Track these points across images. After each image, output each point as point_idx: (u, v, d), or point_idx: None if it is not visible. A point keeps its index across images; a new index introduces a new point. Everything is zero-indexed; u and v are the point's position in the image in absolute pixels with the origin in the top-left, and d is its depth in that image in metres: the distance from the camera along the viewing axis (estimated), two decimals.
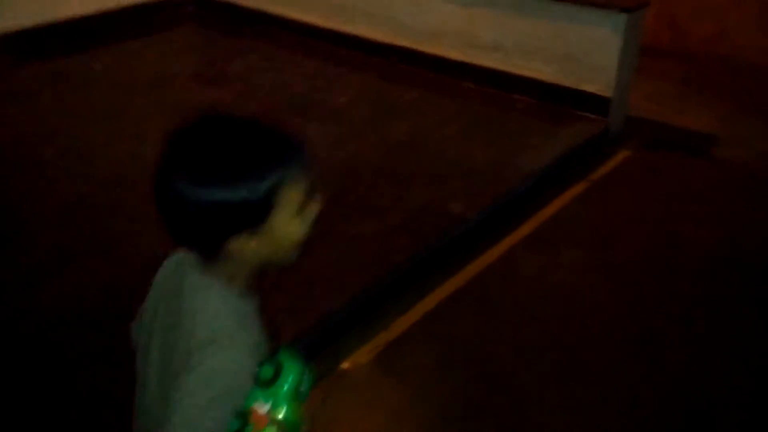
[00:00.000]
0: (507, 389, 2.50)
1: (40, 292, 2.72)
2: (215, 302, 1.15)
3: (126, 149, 3.68)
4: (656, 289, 2.99)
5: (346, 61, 4.86)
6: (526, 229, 3.34)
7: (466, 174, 3.55)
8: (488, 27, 4.37)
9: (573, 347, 2.69)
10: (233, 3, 5.47)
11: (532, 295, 2.95)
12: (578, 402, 2.45)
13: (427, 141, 3.87)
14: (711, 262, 3.17)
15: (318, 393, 2.39)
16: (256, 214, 1.10)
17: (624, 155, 4.04)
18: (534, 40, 4.23)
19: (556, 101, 4.22)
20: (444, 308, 2.86)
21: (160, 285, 1.28)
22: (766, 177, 3.86)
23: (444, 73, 4.58)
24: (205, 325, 1.13)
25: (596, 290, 2.98)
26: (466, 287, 2.97)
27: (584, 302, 2.91)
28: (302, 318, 2.61)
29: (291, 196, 1.11)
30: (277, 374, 1.14)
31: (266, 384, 1.14)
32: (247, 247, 1.12)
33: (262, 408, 1.14)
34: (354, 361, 2.61)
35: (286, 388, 1.15)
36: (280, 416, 1.14)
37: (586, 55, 4.06)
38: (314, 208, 1.17)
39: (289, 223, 1.13)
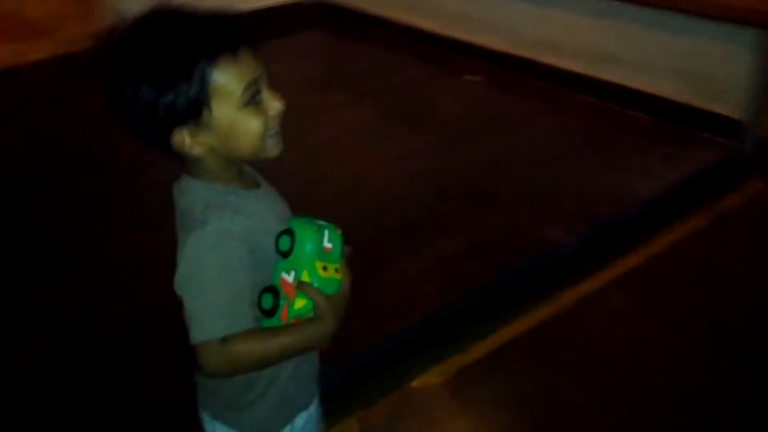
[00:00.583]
0: None
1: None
2: (195, 194, 1.17)
3: None
4: None
5: (462, 69, 4.77)
6: (630, 262, 3.07)
7: (571, 196, 3.35)
8: (611, 39, 4.13)
9: (655, 406, 2.42)
10: (358, 9, 5.51)
11: (623, 339, 2.70)
12: None
13: (532, 157, 3.70)
14: None
15: (385, 407, 2.42)
16: (189, 109, 1.10)
17: (755, 187, 3.63)
18: (659, 55, 3.95)
19: (680, 121, 3.91)
20: (525, 339, 2.70)
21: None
22: None
23: (562, 86, 4.38)
24: (188, 215, 1.15)
25: (694, 343, 2.66)
26: (552, 320, 2.78)
27: (676, 356, 2.62)
28: (376, 330, 2.56)
29: (228, 87, 1.10)
30: (293, 242, 1.17)
31: (286, 255, 1.17)
32: (193, 142, 1.12)
33: (288, 278, 1.17)
34: (424, 381, 2.53)
35: (304, 252, 1.16)
36: (306, 280, 1.16)
37: (716, 72, 3.74)
38: (274, 103, 1.15)
39: (236, 116, 1.11)
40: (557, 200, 3.32)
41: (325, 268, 1.17)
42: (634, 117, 4.05)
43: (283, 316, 1.16)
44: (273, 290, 1.17)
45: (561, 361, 2.61)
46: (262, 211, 1.22)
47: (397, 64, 4.96)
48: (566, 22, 4.33)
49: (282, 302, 1.16)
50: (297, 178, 3.45)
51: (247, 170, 1.27)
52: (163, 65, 1.08)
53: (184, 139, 1.12)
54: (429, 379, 2.53)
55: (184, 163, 1.20)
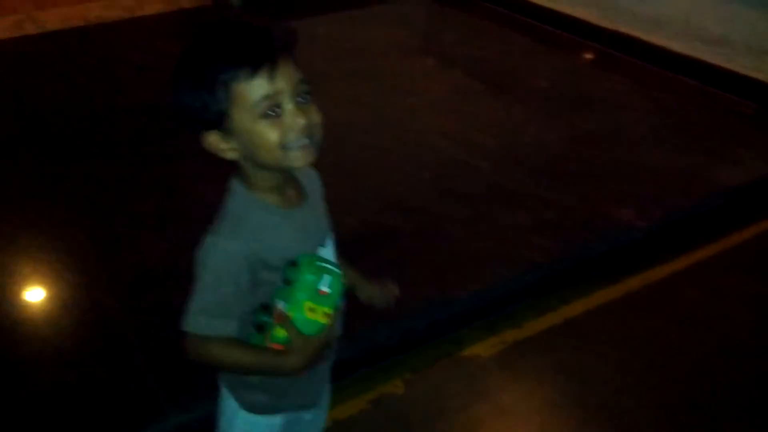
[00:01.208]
0: (615, 417, 2.31)
1: None
2: (230, 195, 1.26)
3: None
4: None
5: (556, 41, 4.69)
6: (705, 253, 2.99)
7: (650, 179, 3.28)
8: (717, 19, 3.95)
9: (709, 398, 2.37)
10: None
11: (686, 330, 2.64)
12: None
13: (618, 137, 3.63)
14: None
15: (433, 372, 2.49)
16: (214, 115, 1.17)
17: None
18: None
19: None
20: (583, 321, 2.68)
21: None
22: None
23: (660, 66, 4.23)
24: (219, 212, 1.26)
25: (762, 344, 2.59)
26: (614, 303, 2.75)
27: (739, 355, 2.54)
28: (433, 296, 2.62)
29: (243, 97, 1.15)
30: (294, 275, 1.22)
31: (286, 284, 1.23)
32: (219, 146, 1.21)
33: (280, 306, 1.23)
34: (475, 351, 2.57)
35: (298, 291, 1.22)
36: (290, 314, 1.22)
37: None
38: (297, 119, 1.17)
39: (253, 126, 1.17)
40: (635, 182, 3.25)
41: (312, 310, 1.23)
42: (735, 102, 3.88)
43: (267, 336, 1.26)
44: (267, 310, 1.26)
45: (618, 346, 2.58)
46: (282, 230, 1.26)
47: (494, 34, 4.93)
48: (674, 1, 4.16)
49: (270, 323, 1.25)
50: (378, 142, 3.56)
51: (292, 184, 1.32)
52: (196, 73, 1.17)
53: (214, 141, 1.22)
54: (481, 350, 2.57)
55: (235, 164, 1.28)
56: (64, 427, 2.13)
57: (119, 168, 3.40)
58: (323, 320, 1.25)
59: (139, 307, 2.55)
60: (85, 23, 5.03)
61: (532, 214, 3.04)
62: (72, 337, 2.44)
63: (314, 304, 1.22)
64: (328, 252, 1.36)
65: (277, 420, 1.46)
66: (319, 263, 1.24)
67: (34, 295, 2.70)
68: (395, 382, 2.42)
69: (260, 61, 1.14)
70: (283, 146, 1.18)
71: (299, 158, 1.20)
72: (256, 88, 1.14)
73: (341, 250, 1.42)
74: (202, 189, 3.18)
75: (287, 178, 1.28)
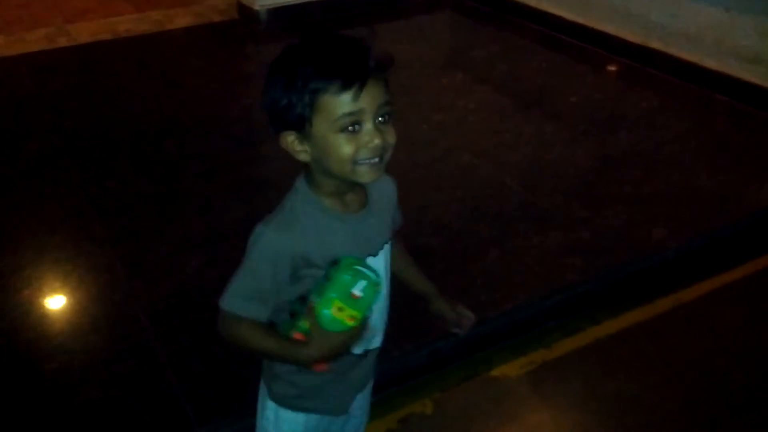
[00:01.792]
0: None
1: None
2: (294, 191, 1.33)
3: None
4: None
5: (589, 58, 4.65)
6: (738, 273, 2.93)
7: (683, 198, 3.23)
8: (753, 36, 3.89)
9: (748, 420, 2.32)
10: None
11: (718, 352, 2.59)
12: None
13: (649, 155, 3.58)
14: None
15: (462, 392, 2.46)
16: (297, 118, 1.23)
17: None
18: None
19: None
20: (613, 340, 2.64)
21: None
22: None
23: (694, 83, 4.18)
24: (281, 203, 1.34)
25: None
26: (646, 324, 2.70)
27: None
28: None
29: (327, 109, 1.20)
30: (333, 273, 1.27)
31: (324, 280, 1.28)
32: (295, 147, 1.27)
33: (312, 299, 1.28)
34: (504, 372, 2.54)
35: (330, 288, 1.26)
36: (318, 309, 1.27)
37: None
38: (373, 138, 1.22)
39: (330, 136, 1.22)
40: (668, 202, 3.20)
41: (340, 309, 1.26)
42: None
43: (294, 324, 1.32)
44: (303, 301, 1.31)
45: (648, 367, 2.54)
46: (336, 235, 1.31)
47: (523, 50, 4.91)
48: (707, 16, 4.12)
49: (300, 314, 1.31)
50: (406, 159, 3.55)
51: (364, 189, 1.37)
52: (290, 75, 1.23)
53: (291, 141, 1.27)
54: (510, 371, 2.54)
55: (302, 164, 1.33)
56: None
57: (155, 184, 3.42)
58: (349, 322, 1.28)
59: (171, 325, 2.55)
60: (115, 36, 5.09)
61: (563, 233, 3.00)
62: (101, 354, 2.44)
63: (344, 304, 1.26)
64: (378, 262, 1.38)
65: (300, 418, 1.50)
66: (358, 267, 1.28)
67: (63, 309, 2.72)
68: (424, 402, 2.40)
69: (351, 79, 1.19)
70: (354, 161, 1.23)
71: (366, 174, 1.25)
72: (340, 103, 1.20)
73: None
74: (237, 207, 3.20)
75: (351, 186, 1.33)
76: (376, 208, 1.38)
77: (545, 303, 2.70)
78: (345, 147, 1.22)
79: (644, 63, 4.43)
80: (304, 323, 1.30)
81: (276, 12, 5.17)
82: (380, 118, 1.23)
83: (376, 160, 1.24)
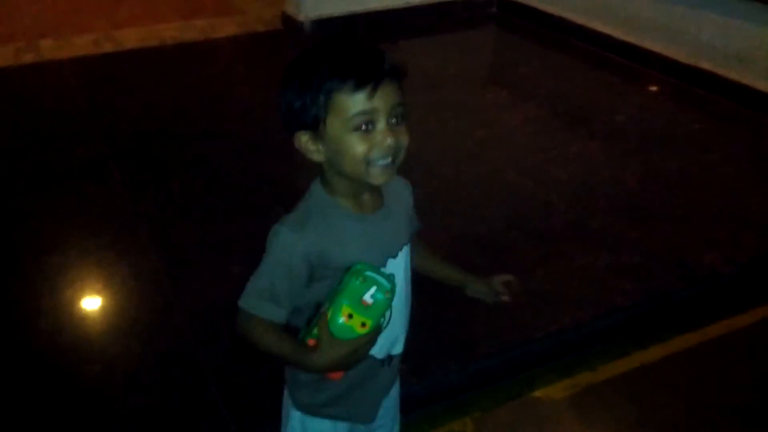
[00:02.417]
0: None
1: None
2: (309, 192, 1.35)
3: None
4: None
5: (636, 77, 4.58)
6: None
7: (736, 222, 3.14)
8: None
9: None
10: (536, 7, 5.43)
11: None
12: None
13: (698, 178, 3.49)
14: None
15: (504, 413, 2.41)
16: (310, 118, 1.25)
17: None
18: None
19: None
20: (660, 366, 2.56)
21: None
22: None
23: (745, 105, 4.09)
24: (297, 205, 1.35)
25: None
26: (695, 350, 2.62)
27: None
28: (506, 335, 2.55)
29: (341, 108, 1.22)
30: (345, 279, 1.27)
31: (336, 286, 1.28)
32: (309, 147, 1.29)
33: (324, 306, 1.28)
34: (547, 393, 2.48)
35: (343, 294, 1.25)
36: (328, 315, 1.26)
37: None
38: (386, 138, 1.23)
39: (343, 135, 1.23)
40: (719, 225, 3.12)
41: (350, 316, 1.25)
42: None
43: (308, 332, 1.31)
44: (319, 307, 1.31)
45: (697, 395, 2.45)
46: (352, 236, 1.32)
47: (569, 67, 4.86)
48: (758, 38, 4.03)
49: (315, 319, 1.30)
50: (448, 174, 3.51)
51: (371, 192, 1.35)
52: (305, 75, 1.25)
53: (304, 141, 1.29)
54: (554, 392, 2.48)
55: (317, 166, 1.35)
56: None
57: (197, 191, 3.43)
58: (359, 330, 1.26)
59: (213, 333, 2.53)
60: (161, 44, 5.14)
61: (612, 254, 2.94)
62: (142, 359, 2.44)
63: (354, 311, 1.25)
64: (398, 264, 1.38)
65: (327, 426, 1.50)
66: (370, 273, 1.26)
67: (105, 312, 2.72)
68: (464, 421, 2.35)
69: (365, 78, 1.21)
70: (367, 161, 1.24)
71: (378, 175, 1.26)
72: (354, 102, 1.21)
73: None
74: (279, 216, 3.19)
75: (366, 187, 1.32)
76: (392, 210, 1.39)
77: (593, 326, 2.64)
78: (358, 146, 1.23)
79: (693, 83, 4.34)
80: (315, 330, 1.29)
81: (321, 23, 5.19)
82: (393, 119, 1.24)
83: (388, 161, 1.25)
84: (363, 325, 1.26)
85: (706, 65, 4.30)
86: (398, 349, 1.48)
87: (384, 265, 1.35)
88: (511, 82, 4.69)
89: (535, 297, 2.72)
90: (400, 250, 1.39)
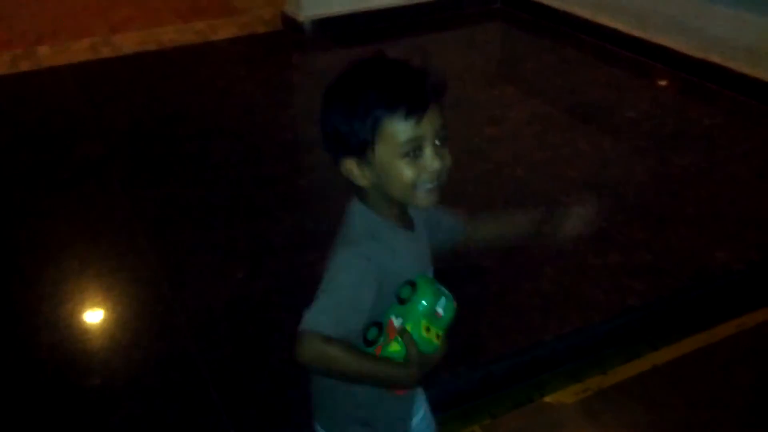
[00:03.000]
0: None
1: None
2: (356, 215, 1.34)
3: None
4: None
5: (646, 72, 4.50)
6: None
7: (748, 220, 3.05)
8: None
9: None
10: (540, 2, 5.35)
11: None
12: None
13: (709, 176, 3.41)
14: None
15: (514, 418, 2.34)
16: (358, 145, 1.25)
17: None
18: None
19: None
20: (673, 367, 2.49)
21: None
22: None
23: (758, 99, 4.00)
24: (345, 231, 1.33)
25: None
26: (707, 350, 2.55)
27: None
28: (517, 339, 2.48)
29: (391, 136, 1.23)
30: (412, 294, 1.29)
31: (402, 302, 1.29)
32: (358, 175, 1.29)
33: (395, 322, 1.29)
34: (558, 398, 2.41)
35: (418, 308, 1.27)
36: (409, 330, 1.27)
37: None
38: (433, 162, 1.25)
39: (392, 161, 1.25)
40: (732, 223, 3.03)
41: (428, 329, 1.28)
42: None
43: (377, 351, 1.30)
44: (379, 326, 1.30)
45: (710, 396, 2.38)
46: (404, 250, 1.35)
47: (577, 62, 4.78)
48: (765, 29, 3.94)
49: (381, 339, 1.29)
50: (457, 173, 3.43)
51: (408, 211, 1.39)
52: (352, 101, 1.25)
53: (351, 168, 1.29)
54: (564, 397, 2.41)
55: (355, 189, 1.35)
56: None
57: (198, 193, 3.38)
58: (436, 341, 1.30)
59: (215, 339, 2.49)
60: (159, 47, 5.09)
61: (623, 254, 2.86)
62: (143, 367, 2.39)
63: (430, 324, 1.28)
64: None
65: None
66: (437, 285, 1.31)
67: (106, 324, 2.67)
68: (473, 428, 2.28)
69: (414, 107, 1.22)
70: (415, 186, 1.27)
71: (424, 199, 1.29)
72: (404, 130, 1.23)
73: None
74: (283, 218, 3.14)
75: (404, 208, 1.37)
76: (421, 230, 1.42)
77: (604, 328, 2.57)
78: (407, 172, 1.25)
79: (704, 78, 4.25)
80: (393, 347, 1.28)
81: (321, 22, 5.13)
82: (438, 142, 1.26)
83: (435, 184, 1.28)
84: (438, 336, 1.30)
85: (716, 59, 4.21)
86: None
87: None
88: (518, 78, 4.62)
89: (545, 298, 2.66)
90: (430, 268, 1.44)
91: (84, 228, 3.13)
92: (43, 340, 2.52)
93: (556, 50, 4.92)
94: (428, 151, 1.25)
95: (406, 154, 1.24)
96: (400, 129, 1.22)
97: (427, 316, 1.28)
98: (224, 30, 5.36)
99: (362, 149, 1.25)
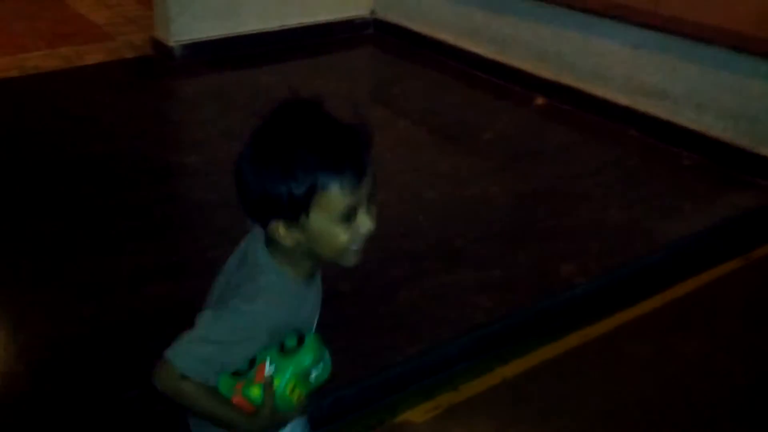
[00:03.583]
0: None
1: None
2: (264, 270, 1.28)
3: None
4: None
5: (505, 95, 4.68)
6: (647, 307, 2.91)
7: (593, 234, 3.22)
8: (657, 72, 3.98)
9: None
10: (410, 28, 5.48)
11: (628, 388, 2.54)
12: None
13: (563, 192, 3.58)
14: None
15: None
16: (291, 210, 1.20)
17: None
18: (708, 92, 3.78)
19: (725, 162, 3.73)
20: (521, 380, 2.58)
21: (239, 248, 1.40)
22: None
23: (607, 118, 4.24)
24: (249, 284, 1.28)
25: (700, 405, 2.47)
26: (553, 362, 2.66)
27: (679, 417, 2.43)
28: (367, 362, 2.51)
29: (328, 203, 1.19)
30: (296, 349, 1.26)
31: (282, 351, 1.27)
32: (284, 236, 1.24)
33: (267, 367, 1.26)
34: (408, 418, 2.45)
35: (292, 367, 1.26)
36: (275, 384, 1.26)
37: (765, 113, 3.55)
38: (366, 224, 1.24)
39: (328, 227, 1.21)
40: (580, 238, 3.20)
41: (293, 390, 1.27)
42: (678, 154, 3.88)
43: (238, 385, 1.28)
44: (252, 361, 1.28)
45: (557, 407, 2.48)
46: (308, 304, 1.35)
47: (443, 85, 4.92)
48: (615, 54, 4.19)
49: (249, 375, 1.28)
50: None
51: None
52: (287, 164, 1.18)
53: (277, 229, 1.24)
54: (415, 416, 2.45)
55: (267, 237, 1.30)
56: None
57: (54, 223, 3.24)
58: (295, 402, 1.29)
59: (52, 381, 2.40)
60: (21, 74, 4.89)
61: (474, 272, 2.96)
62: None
63: (297, 385, 1.27)
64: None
65: None
66: (322, 349, 1.30)
67: None
68: None
69: (357, 175, 1.19)
70: (348, 248, 1.25)
71: (352, 258, 1.28)
72: (344, 198, 1.19)
73: None
74: (142, 249, 3.06)
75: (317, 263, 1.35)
76: (318, 273, 1.42)
77: (452, 345, 2.64)
78: (343, 237, 1.23)
79: (560, 100, 4.47)
80: (254, 391, 1.27)
81: (192, 47, 5.07)
82: (369, 203, 1.25)
83: (362, 244, 1.27)
84: (299, 397, 1.30)
85: (568, 81, 4.43)
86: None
87: (312, 327, 1.39)
88: (387, 102, 4.71)
89: (398, 319, 2.71)
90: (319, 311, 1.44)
91: None
92: None
93: (424, 74, 5.04)
94: (362, 216, 1.23)
95: (342, 219, 1.21)
96: (339, 196, 1.19)
97: (299, 376, 1.26)
98: (91, 56, 5.21)
99: (295, 213, 1.21)
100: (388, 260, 3.00)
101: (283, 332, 1.29)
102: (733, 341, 2.78)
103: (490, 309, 2.76)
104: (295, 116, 1.24)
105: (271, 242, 1.29)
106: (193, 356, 1.26)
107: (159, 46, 5.18)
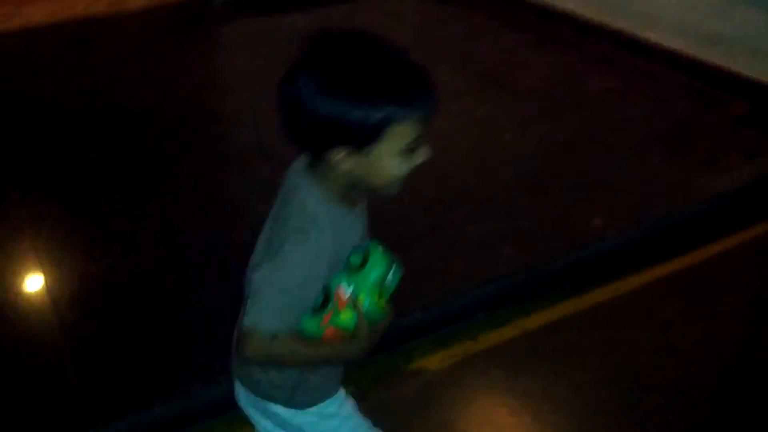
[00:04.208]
0: None
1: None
2: (311, 200, 1.25)
3: None
4: None
5: (548, 38, 4.52)
6: (678, 264, 2.80)
7: (630, 186, 3.11)
8: (711, 15, 3.76)
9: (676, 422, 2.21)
10: None
11: (652, 347, 2.47)
12: None
13: (602, 141, 3.46)
14: None
15: (377, 387, 2.36)
16: (360, 138, 1.17)
17: None
18: (764, 36, 3.56)
19: None
20: (541, 333, 2.53)
21: (284, 181, 1.37)
22: None
23: (655, 63, 4.05)
24: (297, 217, 1.24)
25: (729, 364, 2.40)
26: (578, 316, 2.59)
27: (706, 375, 2.35)
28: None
29: (399, 134, 1.17)
30: (364, 263, 1.26)
31: (353, 270, 1.26)
32: (344, 164, 1.21)
33: (345, 291, 1.26)
34: (424, 365, 2.45)
35: (370, 278, 1.25)
36: (360, 302, 1.26)
37: None
38: (421, 156, 1.23)
39: (390, 158, 1.20)
40: (614, 189, 3.09)
41: (380, 296, 1.27)
42: (728, 102, 3.69)
43: (326, 318, 1.27)
44: (326, 292, 1.27)
45: (576, 362, 2.42)
46: (353, 228, 1.33)
47: (486, 31, 4.78)
48: None
49: (330, 306, 1.26)
50: None
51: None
52: (364, 92, 1.15)
53: (340, 156, 1.20)
54: (430, 364, 2.45)
55: (312, 160, 1.27)
56: None
57: (84, 172, 3.32)
58: (384, 308, 1.30)
59: (77, 318, 2.48)
60: (71, 17, 4.96)
61: (500, 222, 2.91)
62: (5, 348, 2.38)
63: (381, 293, 1.27)
64: None
65: (338, 399, 1.52)
66: (387, 251, 1.29)
67: None
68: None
69: (431, 111, 1.19)
70: (400, 179, 1.24)
71: (396, 189, 1.27)
72: (414, 131, 1.18)
73: None
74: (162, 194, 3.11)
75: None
76: (362, 202, 1.39)
77: (472, 294, 2.61)
78: (402, 168, 1.22)
79: (607, 43, 4.29)
80: (344, 316, 1.26)
81: None
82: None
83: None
84: (386, 302, 1.31)
85: (615, 24, 4.25)
86: None
87: None
88: (428, 47, 4.59)
89: (420, 266, 2.67)
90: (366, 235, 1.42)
91: None
92: None
93: (467, 18, 4.91)
94: (423, 148, 1.22)
95: (407, 150, 1.20)
96: (411, 129, 1.18)
97: (379, 285, 1.26)
98: (135, 2, 5.24)
99: (365, 141, 1.18)
100: (415, 207, 2.97)
101: (339, 262, 1.28)
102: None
103: (514, 259, 2.71)
104: (366, 45, 1.19)
105: (315, 173, 1.27)
106: (273, 313, 1.25)
107: None
